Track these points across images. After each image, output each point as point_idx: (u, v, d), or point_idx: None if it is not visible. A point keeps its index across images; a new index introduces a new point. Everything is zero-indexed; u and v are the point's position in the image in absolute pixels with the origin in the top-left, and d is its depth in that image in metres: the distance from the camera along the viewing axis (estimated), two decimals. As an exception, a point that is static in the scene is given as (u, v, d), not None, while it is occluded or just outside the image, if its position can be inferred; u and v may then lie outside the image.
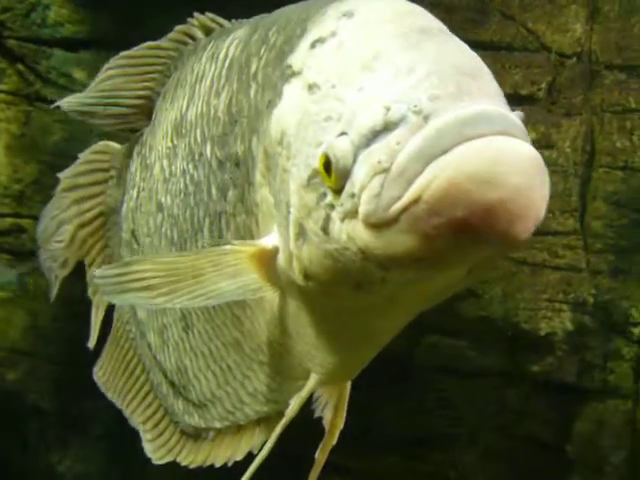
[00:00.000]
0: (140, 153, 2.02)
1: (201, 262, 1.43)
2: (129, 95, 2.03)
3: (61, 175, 2.14)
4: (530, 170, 1.12)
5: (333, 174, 1.23)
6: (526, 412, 3.18)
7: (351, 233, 1.23)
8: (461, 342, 3.10)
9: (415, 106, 1.17)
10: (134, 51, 2.03)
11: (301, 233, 1.32)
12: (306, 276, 1.35)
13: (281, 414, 1.66)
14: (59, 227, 2.14)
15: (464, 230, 1.12)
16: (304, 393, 1.54)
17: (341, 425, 1.69)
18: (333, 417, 1.69)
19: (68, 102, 2.09)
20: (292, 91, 1.37)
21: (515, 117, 1.17)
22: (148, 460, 2.01)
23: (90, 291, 2.15)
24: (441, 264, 1.20)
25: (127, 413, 2.10)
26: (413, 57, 1.22)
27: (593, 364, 3.14)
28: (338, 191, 1.24)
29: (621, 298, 3.09)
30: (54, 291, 2.18)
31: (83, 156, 2.15)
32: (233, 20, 1.82)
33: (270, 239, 1.44)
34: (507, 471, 3.16)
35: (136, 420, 2.07)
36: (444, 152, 1.13)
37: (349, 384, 1.73)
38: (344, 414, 1.70)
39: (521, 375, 3.15)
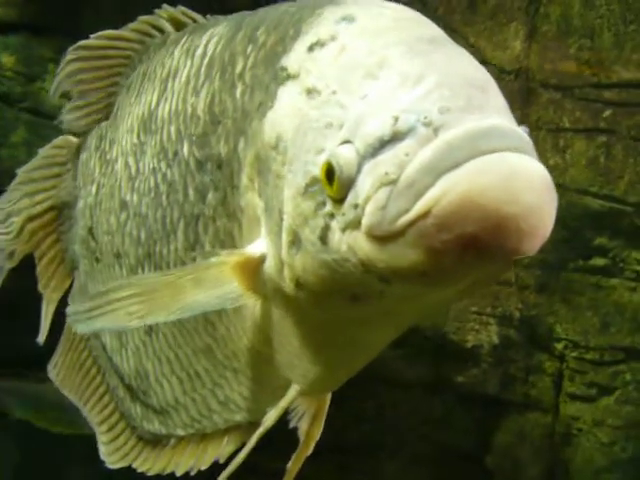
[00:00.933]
0: (99, 148, 1.94)
1: (182, 280, 1.37)
2: (101, 95, 1.95)
3: (19, 170, 2.07)
4: (542, 188, 1.11)
5: (336, 183, 1.19)
6: (449, 422, 3.21)
7: (352, 244, 1.19)
8: (389, 351, 3.10)
9: (425, 117, 1.14)
10: (94, 41, 1.94)
11: (295, 241, 1.28)
12: (298, 285, 1.30)
13: (253, 423, 1.62)
14: (7, 219, 2.06)
15: (473, 246, 1.09)
16: (283, 403, 1.49)
17: (317, 436, 1.64)
18: (310, 428, 1.63)
19: (66, 119, 2.00)
20: (288, 95, 1.32)
21: (524, 133, 1.17)
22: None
23: (41, 285, 2.07)
24: (445, 279, 1.17)
25: (85, 412, 2.03)
26: (421, 67, 1.19)
27: (516, 377, 3.19)
28: (339, 200, 1.20)
29: (546, 314, 3.15)
30: None
31: (43, 151, 2.07)
32: (208, 16, 1.76)
33: (257, 246, 1.39)
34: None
35: (92, 421, 2.00)
36: (455, 166, 1.10)
37: (329, 395, 1.68)
38: (322, 425, 1.65)
39: (446, 385, 3.18)
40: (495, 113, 1.16)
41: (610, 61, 3.04)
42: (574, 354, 3.14)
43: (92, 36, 1.95)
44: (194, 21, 1.78)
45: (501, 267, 1.22)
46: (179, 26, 1.82)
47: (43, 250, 2.07)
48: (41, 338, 2.03)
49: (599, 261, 3.10)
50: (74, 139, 2.04)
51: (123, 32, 1.92)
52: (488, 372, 3.20)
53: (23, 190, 2.06)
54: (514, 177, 1.09)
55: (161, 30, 1.86)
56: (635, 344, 3.07)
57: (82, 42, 1.95)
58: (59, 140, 2.06)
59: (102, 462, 1.96)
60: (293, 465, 1.64)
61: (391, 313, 1.30)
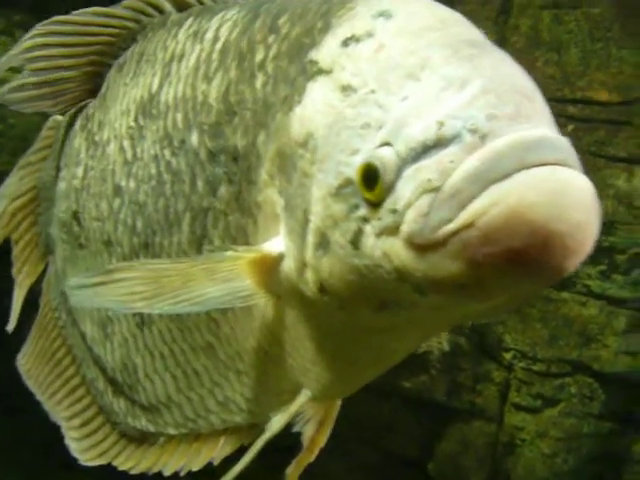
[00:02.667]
0: (85, 127, 1.84)
1: (194, 269, 1.31)
2: (74, 73, 1.83)
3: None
4: (590, 206, 1.08)
5: (378, 186, 1.14)
6: (394, 427, 3.20)
7: (388, 251, 1.14)
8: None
9: (472, 124, 1.10)
10: (74, 17, 1.82)
11: (322, 243, 1.22)
12: (322, 289, 1.25)
13: (254, 426, 1.56)
14: None
15: (517, 261, 1.06)
16: (293, 408, 1.43)
17: (322, 443, 1.57)
18: (315, 434, 1.56)
19: (11, 97, 1.83)
20: (320, 90, 1.26)
21: (570, 145, 1.14)
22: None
23: (15, 270, 1.96)
24: (483, 293, 1.13)
25: (48, 406, 1.90)
26: (466, 70, 1.14)
27: (463, 385, 3.20)
28: (376, 204, 1.15)
29: (497, 323, 3.16)
30: None
31: (41, 132, 1.97)
32: None
33: (275, 244, 1.33)
34: (370, 485, 3.17)
35: (59, 415, 1.88)
36: (503, 177, 1.06)
37: (339, 401, 1.61)
38: (328, 432, 1.58)
39: (393, 390, 3.16)
40: (543, 123, 1.12)
41: (575, 77, 3.07)
42: (522, 364, 3.16)
43: (75, 12, 1.83)
44: (200, 2, 1.70)
45: (541, 285, 1.19)
46: (182, 6, 1.73)
47: (20, 233, 1.97)
48: (11, 325, 1.92)
49: (551, 274, 3.13)
50: (61, 119, 1.94)
51: (113, 9, 1.82)
52: (436, 379, 3.20)
53: (18, 174, 1.97)
54: (564, 193, 1.06)
55: (159, 9, 1.77)
56: (582, 357, 3.10)
57: (57, 17, 1.82)
58: (50, 121, 1.96)
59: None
60: (294, 471, 1.57)
61: (417, 322, 1.26)
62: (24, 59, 1.83)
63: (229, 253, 1.33)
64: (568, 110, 3.09)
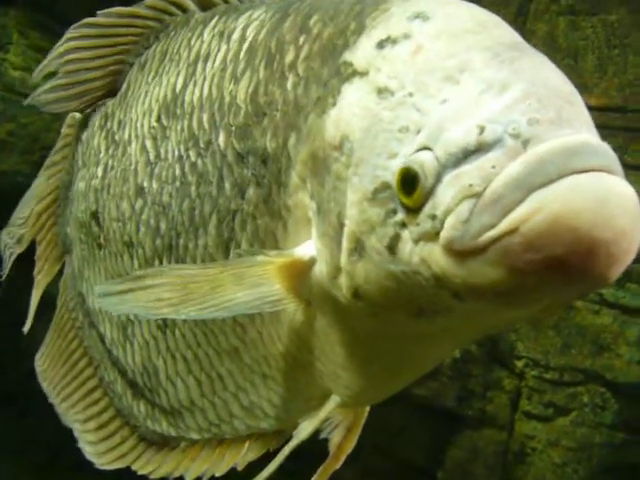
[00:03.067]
0: (104, 127, 1.82)
1: (223, 274, 1.28)
2: (100, 73, 1.83)
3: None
4: (634, 213, 1.05)
5: (418, 191, 1.12)
6: (404, 434, 3.17)
7: (426, 257, 1.12)
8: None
9: (514, 129, 1.08)
10: (101, 18, 1.82)
11: (358, 248, 1.20)
12: (356, 295, 1.22)
13: (280, 432, 1.53)
14: (24, 205, 1.97)
15: (560, 269, 1.03)
16: (322, 414, 1.39)
17: (349, 450, 1.55)
18: (343, 440, 1.54)
19: (41, 98, 1.87)
20: (355, 92, 1.24)
21: (611, 150, 1.12)
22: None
23: (35, 271, 1.94)
24: (523, 300, 1.11)
25: (61, 409, 1.88)
26: (506, 74, 1.12)
27: (474, 392, 3.18)
28: (415, 210, 1.13)
29: (509, 330, 3.13)
30: (7, 268, 1.97)
31: (61, 131, 1.96)
32: None
33: (306, 249, 1.30)
34: (381, 492, 3.15)
35: (73, 417, 1.85)
36: (547, 183, 1.04)
37: (367, 408, 1.59)
38: (356, 439, 1.56)
39: (403, 397, 3.12)
40: (585, 128, 1.10)
41: (592, 83, 3.05)
42: (534, 373, 3.14)
43: (100, 13, 1.83)
44: (225, 1, 1.67)
45: (583, 292, 1.16)
46: (206, 5, 1.71)
47: (43, 234, 1.96)
48: (27, 325, 1.90)
49: (564, 282, 3.11)
50: (79, 116, 1.93)
51: (137, 9, 1.81)
52: (447, 385, 3.17)
53: (44, 175, 1.98)
54: (609, 200, 1.04)
55: (182, 8, 1.75)
56: (595, 366, 3.08)
57: (87, 19, 1.83)
58: (69, 119, 1.95)
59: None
60: (320, 479, 1.55)
61: (453, 329, 1.24)
62: (59, 64, 1.87)
63: (260, 258, 1.30)
64: (584, 117, 3.06)
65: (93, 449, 1.81)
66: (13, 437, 3.27)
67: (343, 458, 1.56)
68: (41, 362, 1.94)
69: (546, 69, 1.16)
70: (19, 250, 1.96)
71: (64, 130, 1.96)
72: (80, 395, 1.88)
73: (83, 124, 1.91)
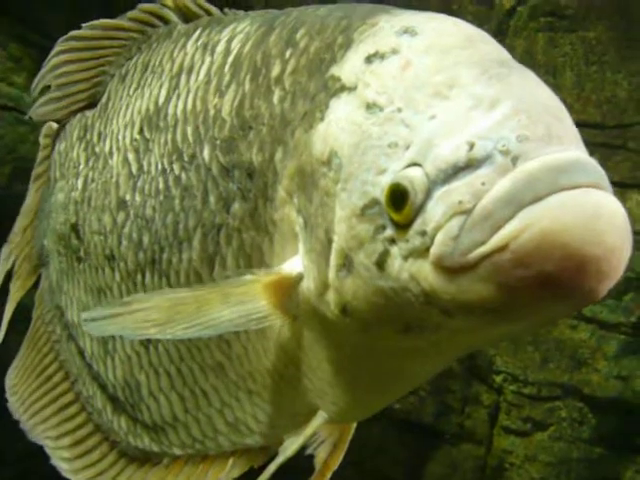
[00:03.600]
0: (83, 138, 1.80)
1: (211, 295, 1.27)
2: (84, 86, 1.84)
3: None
4: (623, 229, 1.05)
5: (407, 207, 1.11)
6: (381, 449, 3.16)
7: (416, 273, 1.11)
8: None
9: (503, 146, 1.07)
10: (86, 31, 1.82)
11: (346, 264, 1.19)
12: (344, 311, 1.21)
13: (266, 448, 1.52)
14: (18, 221, 1.98)
15: (550, 285, 1.03)
16: (308, 431, 1.38)
17: (335, 466, 1.53)
18: (329, 457, 1.53)
19: (39, 112, 1.90)
20: (343, 107, 1.23)
21: (599, 166, 1.12)
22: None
23: (12, 283, 1.92)
24: (513, 317, 1.10)
25: (28, 425, 1.84)
26: (495, 90, 1.11)
27: (452, 407, 3.17)
28: (404, 226, 1.12)
29: (488, 346, 3.14)
30: None
31: (40, 142, 1.96)
32: (226, 10, 1.65)
33: (293, 265, 1.29)
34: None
35: (44, 434, 1.82)
36: (536, 200, 1.04)
37: (354, 424, 1.58)
38: (342, 455, 1.55)
39: (382, 411, 3.12)
40: (574, 145, 1.10)
41: (571, 100, 3.07)
42: (512, 387, 3.14)
43: (84, 25, 1.83)
44: (208, 13, 1.67)
45: (572, 309, 1.16)
46: (188, 17, 1.70)
47: (21, 247, 1.94)
48: None
49: (543, 297, 3.12)
50: (55, 125, 1.92)
51: (120, 21, 1.80)
52: (425, 400, 3.17)
53: (32, 188, 1.97)
54: (598, 216, 1.04)
55: (165, 20, 1.74)
56: (573, 381, 3.09)
57: (73, 32, 1.84)
58: (46, 128, 1.94)
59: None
60: None
61: (441, 345, 1.23)
62: (52, 77, 1.89)
63: (248, 277, 1.29)
64: (562, 133, 3.08)
65: (69, 466, 1.77)
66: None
67: (329, 475, 1.54)
68: (13, 376, 1.91)
69: (534, 85, 1.17)
70: (6, 267, 1.95)
71: (42, 140, 1.95)
72: (53, 410, 1.85)
73: (60, 135, 1.90)
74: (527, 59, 3.13)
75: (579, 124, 3.41)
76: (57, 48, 1.85)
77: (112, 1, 2.36)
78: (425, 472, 3.18)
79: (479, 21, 3.15)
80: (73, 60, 1.85)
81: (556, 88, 3.29)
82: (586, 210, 1.03)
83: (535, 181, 1.05)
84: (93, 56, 1.83)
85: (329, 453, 1.54)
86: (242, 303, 1.27)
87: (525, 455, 3.13)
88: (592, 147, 3.31)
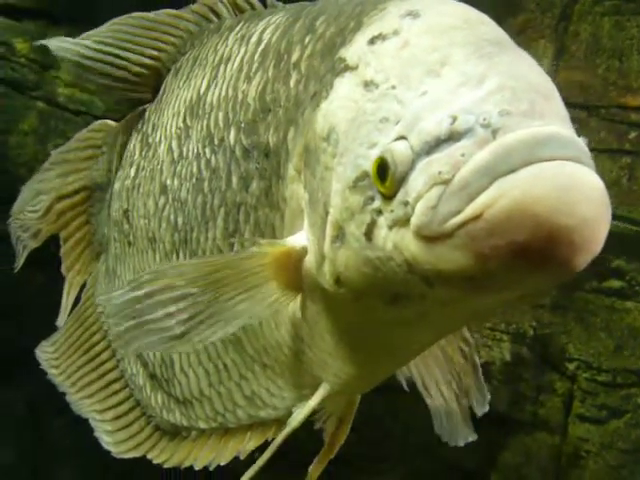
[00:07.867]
0: (140, 130, 1.90)
1: (222, 273, 1.32)
2: (135, 60, 1.89)
3: (53, 151, 2.03)
4: (598, 202, 1.07)
5: (389, 179, 1.16)
6: (455, 438, 3.17)
7: (399, 243, 1.17)
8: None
9: (484, 119, 1.11)
10: (149, 14, 1.90)
11: (339, 236, 1.25)
12: (338, 282, 1.27)
13: (278, 421, 1.59)
14: (35, 197, 2.02)
15: (522, 255, 1.06)
16: (312, 402, 1.46)
17: (343, 440, 1.62)
18: (336, 430, 1.61)
19: (60, 47, 1.94)
20: (345, 86, 1.29)
21: (584, 144, 1.14)
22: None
23: (64, 267, 2.02)
24: (490, 287, 1.14)
25: (74, 398, 1.94)
26: (484, 68, 1.16)
27: (525, 396, 3.17)
28: (389, 197, 1.17)
29: (559, 333, 3.12)
30: (20, 261, 2.03)
31: (79, 134, 2.04)
32: (268, 2, 1.72)
33: (299, 238, 1.35)
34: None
35: (90, 407, 1.92)
36: (512, 171, 1.08)
37: (358, 397, 1.65)
38: (348, 428, 1.62)
39: (455, 401, 3.13)
40: (556, 121, 1.12)
41: (638, 83, 3.04)
42: (586, 375, 3.12)
43: (151, 13, 1.92)
44: (252, 7, 1.75)
45: (550, 281, 1.18)
46: (237, 11, 1.79)
47: (70, 231, 2.03)
48: (61, 321, 1.97)
49: (615, 283, 3.09)
50: (112, 123, 2.01)
51: (183, 12, 1.89)
52: (498, 389, 3.16)
53: (56, 170, 2.03)
54: (571, 187, 1.06)
55: (218, 15, 1.83)
56: (648, 368, 3.05)
57: (137, 12, 1.91)
58: (97, 124, 2.04)
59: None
60: (315, 469, 1.61)
61: (430, 317, 1.27)
62: (109, 43, 1.91)
63: (254, 249, 1.35)
64: (631, 117, 3.05)
65: (111, 438, 1.87)
66: (65, 449, 3.33)
67: (337, 447, 1.62)
68: (52, 349, 1.99)
69: (525, 64, 1.20)
70: (34, 245, 2.02)
71: (85, 133, 2.03)
72: (99, 385, 1.95)
73: (122, 130, 1.98)
74: (592, 45, 3.11)
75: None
76: (114, 20, 1.91)
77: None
78: (499, 461, 3.18)
79: (543, 8, 3.13)
80: (127, 34, 1.90)
81: (622, 72, 3.25)
82: (559, 181, 1.06)
83: (512, 152, 1.08)
84: (149, 37, 1.91)
85: (336, 427, 1.60)
86: (254, 287, 1.33)
87: (601, 443, 3.10)
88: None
